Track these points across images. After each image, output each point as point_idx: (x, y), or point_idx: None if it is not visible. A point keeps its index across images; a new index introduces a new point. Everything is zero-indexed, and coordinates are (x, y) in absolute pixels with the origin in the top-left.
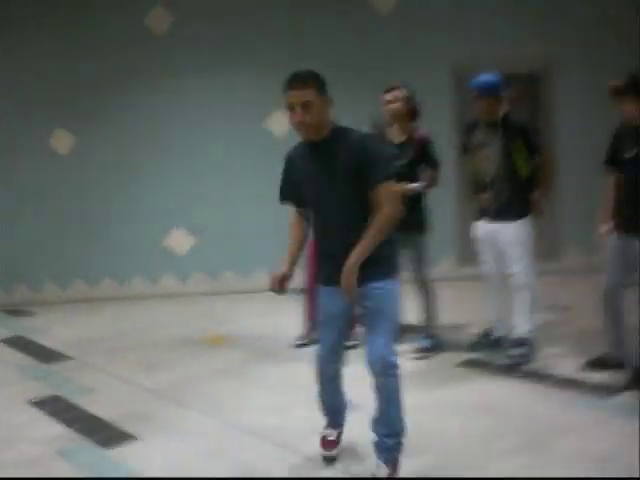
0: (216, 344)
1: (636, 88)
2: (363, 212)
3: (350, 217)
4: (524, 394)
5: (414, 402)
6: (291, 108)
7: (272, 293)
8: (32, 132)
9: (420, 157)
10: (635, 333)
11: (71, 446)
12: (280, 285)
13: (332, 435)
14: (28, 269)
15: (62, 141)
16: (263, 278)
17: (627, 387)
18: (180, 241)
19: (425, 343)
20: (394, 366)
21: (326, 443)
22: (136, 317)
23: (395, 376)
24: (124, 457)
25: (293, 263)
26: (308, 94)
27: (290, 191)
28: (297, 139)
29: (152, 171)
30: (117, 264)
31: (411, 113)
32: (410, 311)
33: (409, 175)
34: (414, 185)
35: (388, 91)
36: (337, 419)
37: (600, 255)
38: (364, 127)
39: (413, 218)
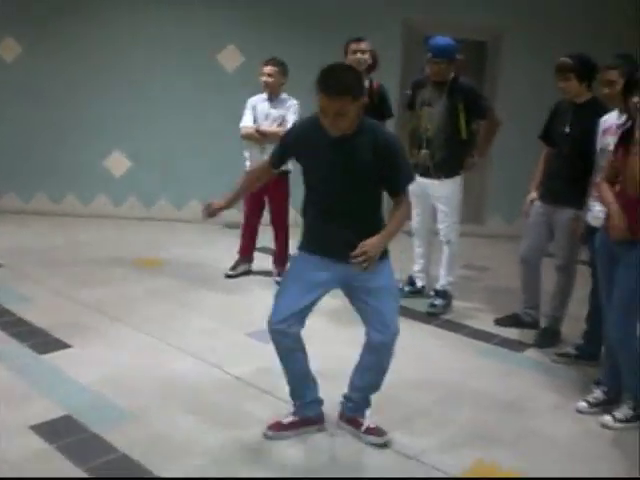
0: (150, 267)
1: (579, 69)
2: (368, 204)
3: (356, 207)
4: (440, 340)
5: (335, 338)
6: (324, 112)
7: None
8: None
9: (376, 106)
10: (546, 298)
11: (5, 348)
12: (209, 213)
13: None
14: None
15: (8, 49)
16: (196, 209)
17: (535, 344)
18: (117, 164)
19: None
20: (396, 337)
21: (273, 425)
22: (69, 234)
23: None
24: (58, 363)
25: (231, 202)
26: (343, 104)
27: (282, 160)
28: (246, 76)
29: (98, 91)
30: (52, 180)
31: (372, 65)
32: None
33: None
34: None
35: (356, 41)
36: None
37: (523, 221)
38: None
39: None
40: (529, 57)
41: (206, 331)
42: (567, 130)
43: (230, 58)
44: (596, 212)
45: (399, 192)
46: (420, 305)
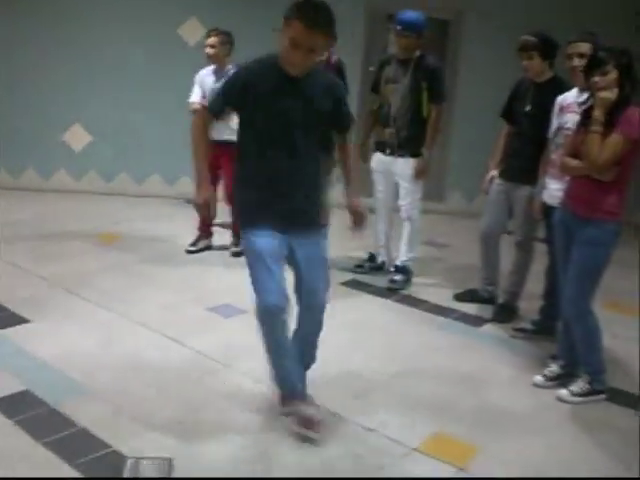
0: (109, 242)
1: (543, 47)
2: (318, 152)
3: (311, 155)
4: (399, 315)
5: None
6: (295, 45)
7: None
8: None
9: None
10: (505, 274)
11: None
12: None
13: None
14: None
15: None
16: (157, 184)
17: (493, 320)
18: (77, 137)
19: None
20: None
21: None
22: (28, 209)
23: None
24: (17, 338)
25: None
26: (320, 39)
27: (224, 110)
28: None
29: (57, 64)
30: (11, 154)
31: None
32: None
33: None
34: None
35: None
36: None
37: (482, 199)
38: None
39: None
40: (491, 36)
41: (167, 306)
42: (527, 109)
43: (192, 31)
44: (552, 190)
45: (349, 127)
46: (380, 281)
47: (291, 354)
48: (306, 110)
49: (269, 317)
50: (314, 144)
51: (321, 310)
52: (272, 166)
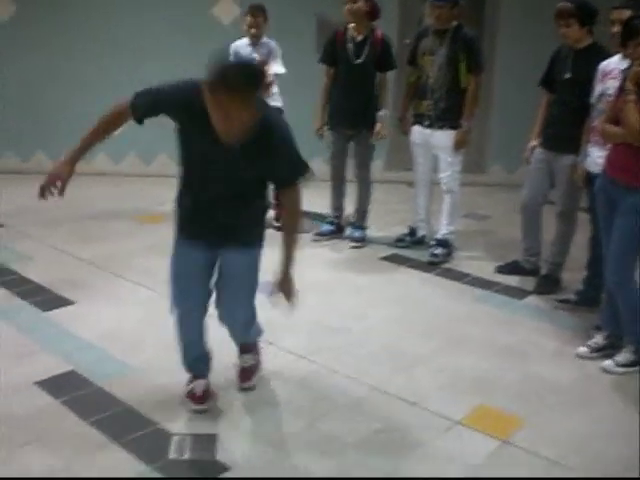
0: (150, 222)
1: (581, 13)
2: (254, 191)
3: (242, 195)
4: (441, 289)
5: (339, 287)
6: (227, 114)
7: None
8: None
9: (378, 57)
10: (547, 245)
11: (9, 306)
12: (58, 187)
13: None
14: None
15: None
16: None
17: (536, 291)
18: None
19: (359, 234)
20: (252, 324)
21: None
22: (69, 192)
23: (253, 329)
24: (61, 319)
25: (78, 160)
26: (251, 96)
27: (147, 114)
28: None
29: (96, 47)
30: (51, 139)
31: (371, 13)
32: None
33: (364, 73)
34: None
35: None
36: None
37: (523, 170)
38: (310, 23)
39: (364, 114)
40: (529, 3)
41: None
42: (568, 76)
43: (225, 10)
44: (595, 157)
45: (292, 179)
46: (421, 254)
47: (199, 340)
48: (230, 166)
49: (182, 317)
50: (254, 186)
51: (239, 338)
52: (201, 192)
